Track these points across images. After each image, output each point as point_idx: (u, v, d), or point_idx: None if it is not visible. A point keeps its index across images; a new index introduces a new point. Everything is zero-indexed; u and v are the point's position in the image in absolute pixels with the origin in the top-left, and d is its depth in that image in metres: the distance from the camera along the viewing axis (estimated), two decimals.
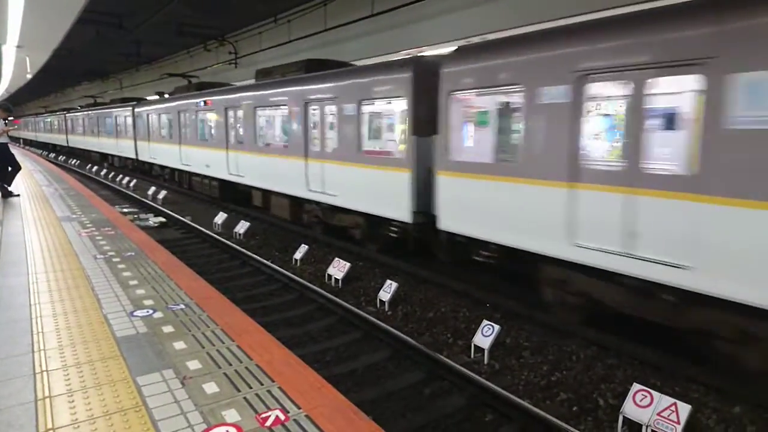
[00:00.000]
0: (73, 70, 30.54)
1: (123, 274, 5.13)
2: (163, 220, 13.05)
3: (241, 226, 11.37)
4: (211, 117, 14.65)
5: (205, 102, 14.73)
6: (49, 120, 42.14)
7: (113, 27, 17.95)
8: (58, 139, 38.28)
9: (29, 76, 28.71)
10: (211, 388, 2.89)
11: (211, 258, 9.77)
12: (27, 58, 21.83)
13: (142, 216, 13.49)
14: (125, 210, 14.14)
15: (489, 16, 10.39)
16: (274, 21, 16.51)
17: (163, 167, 19.78)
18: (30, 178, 14.29)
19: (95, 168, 26.18)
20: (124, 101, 24.54)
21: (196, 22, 17.98)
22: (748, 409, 4.44)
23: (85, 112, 30.36)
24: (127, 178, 20.68)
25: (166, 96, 19.31)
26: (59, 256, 5.74)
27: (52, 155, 37.33)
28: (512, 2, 9.98)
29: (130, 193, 17.54)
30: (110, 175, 22.78)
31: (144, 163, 21.71)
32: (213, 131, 14.72)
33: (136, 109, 21.33)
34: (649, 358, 5.29)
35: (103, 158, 28.88)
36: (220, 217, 12.32)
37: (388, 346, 5.85)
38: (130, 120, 22.13)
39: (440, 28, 11.38)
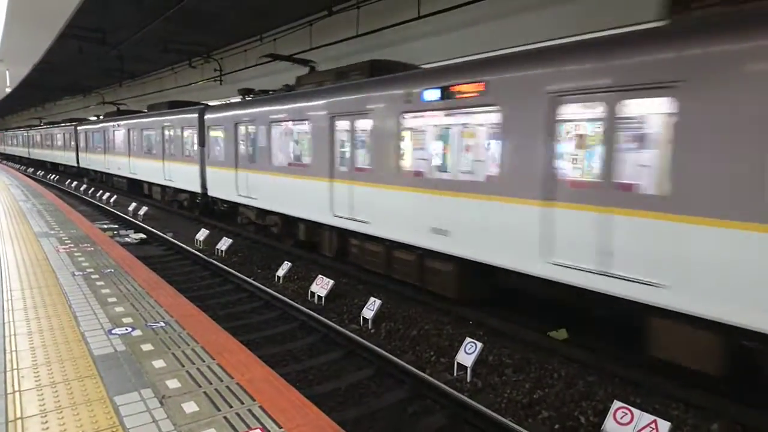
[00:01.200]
0: (55, 84, 30.28)
1: (102, 291, 5.03)
2: (143, 236, 12.86)
3: (223, 243, 11.26)
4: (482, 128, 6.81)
5: (459, 93, 6.68)
6: (48, 134, 33.88)
7: (96, 42, 17.90)
8: (63, 157, 30.83)
9: (8, 90, 28.33)
10: (190, 407, 2.84)
11: (192, 275, 9.64)
12: (7, 72, 21.54)
13: (122, 232, 13.28)
14: (105, 226, 13.91)
15: (470, 37, 10.65)
16: (259, 39, 16.66)
17: (266, 213, 11.77)
18: (6, 192, 14.00)
19: (74, 183, 25.69)
20: (174, 106, 17.10)
21: (182, 39, 18.02)
22: (725, 425, 4.51)
23: (109, 124, 22.44)
24: (107, 194, 20.34)
25: (275, 92, 11.84)
26: (36, 273, 5.62)
27: (31, 169, 36.36)
28: (492, 27, 10.25)
29: (109, 208, 17.26)
30: (90, 191, 22.37)
31: (216, 201, 14.38)
32: (488, 160, 6.73)
33: (209, 116, 13.89)
34: (630, 376, 5.35)
35: (133, 186, 20.92)
36: (202, 234, 12.18)
37: (372, 364, 5.81)
38: (191, 135, 14.94)
39: (425, 48, 11.60)
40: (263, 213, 11.85)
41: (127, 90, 29.55)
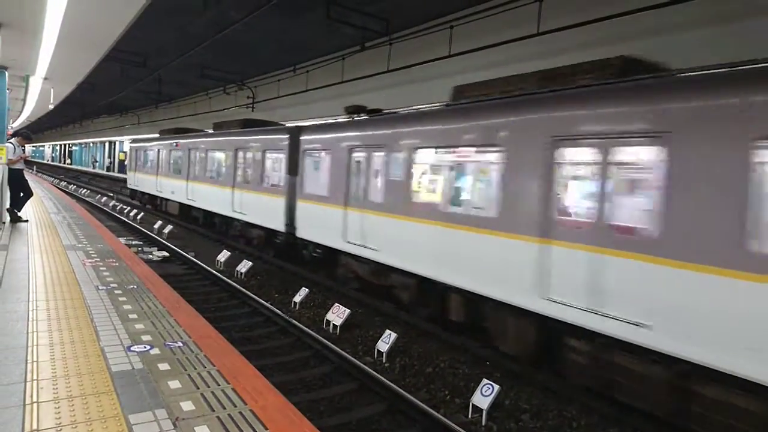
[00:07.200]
0: (94, 103, 31.54)
1: (123, 307, 5.10)
2: (166, 254, 13.07)
3: (243, 266, 11.36)
4: None
5: None
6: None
7: (138, 66, 18.70)
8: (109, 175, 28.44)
9: (51, 107, 29.56)
10: (203, 431, 2.82)
11: (211, 295, 9.71)
12: (51, 90, 22.49)
13: (146, 249, 13.52)
14: (130, 242, 14.19)
15: None
16: (293, 70, 17.19)
17: (389, 270, 8.52)
18: (40, 205, 14.46)
19: (104, 198, 26.39)
20: (248, 125, 14.65)
21: (218, 67, 18.72)
22: None
23: (165, 142, 19.69)
24: (134, 211, 20.82)
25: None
26: (61, 285, 5.74)
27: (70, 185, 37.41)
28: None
29: (136, 225, 17.64)
30: (118, 207, 22.93)
31: (307, 245, 11.15)
32: None
33: (307, 137, 11.08)
34: (651, 431, 5.12)
35: (187, 215, 17.98)
36: (223, 255, 12.32)
37: (384, 399, 5.70)
38: (277, 159, 12.36)
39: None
40: (384, 269, 8.65)
41: (163, 112, 30.63)
